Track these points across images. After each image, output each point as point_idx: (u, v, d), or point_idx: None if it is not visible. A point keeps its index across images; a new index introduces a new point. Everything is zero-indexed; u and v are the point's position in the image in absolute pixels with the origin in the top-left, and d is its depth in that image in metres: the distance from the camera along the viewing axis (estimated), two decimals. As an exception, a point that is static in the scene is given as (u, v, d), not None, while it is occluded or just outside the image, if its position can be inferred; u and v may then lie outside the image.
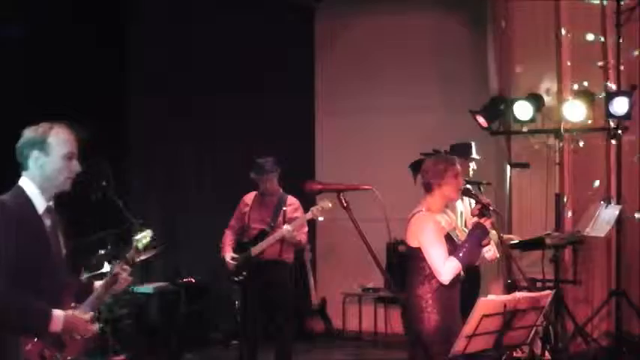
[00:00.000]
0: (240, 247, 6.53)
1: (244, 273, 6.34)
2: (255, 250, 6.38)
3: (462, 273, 4.31)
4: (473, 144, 6.53)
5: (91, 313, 3.57)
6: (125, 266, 3.74)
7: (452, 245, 4.31)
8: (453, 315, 4.31)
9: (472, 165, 6.44)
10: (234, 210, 6.72)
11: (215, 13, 8.65)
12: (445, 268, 4.22)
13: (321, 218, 6.28)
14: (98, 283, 3.77)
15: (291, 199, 6.52)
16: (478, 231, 4.26)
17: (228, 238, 6.58)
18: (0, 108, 6.71)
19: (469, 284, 5.20)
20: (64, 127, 3.61)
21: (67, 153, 3.57)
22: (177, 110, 8.52)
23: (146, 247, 3.90)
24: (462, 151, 6.30)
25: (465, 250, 4.23)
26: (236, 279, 6.31)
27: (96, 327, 3.58)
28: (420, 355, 4.27)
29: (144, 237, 3.85)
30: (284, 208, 6.47)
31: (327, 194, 5.88)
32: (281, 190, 6.56)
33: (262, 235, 6.42)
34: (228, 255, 6.45)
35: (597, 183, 7.62)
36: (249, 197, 6.63)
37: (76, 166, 3.62)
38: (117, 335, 6.94)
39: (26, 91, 7.24)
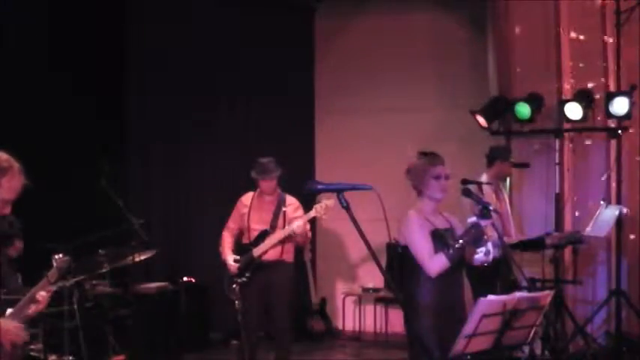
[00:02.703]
0: (240, 248, 6.50)
1: (247, 274, 6.32)
2: (257, 251, 6.36)
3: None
4: (509, 147, 7.03)
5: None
6: (47, 287, 3.84)
7: (442, 244, 4.30)
8: (452, 314, 4.31)
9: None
10: (232, 211, 6.69)
11: (215, 13, 8.65)
12: (432, 262, 4.24)
13: (324, 216, 6.25)
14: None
15: (291, 199, 6.51)
16: (473, 231, 4.26)
17: (227, 241, 6.55)
18: (0, 107, 6.71)
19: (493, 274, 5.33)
20: (19, 173, 3.71)
21: (7, 200, 3.76)
22: (177, 110, 8.52)
23: (64, 270, 4.02)
24: (501, 153, 6.80)
25: (455, 248, 4.23)
26: (239, 281, 6.29)
27: (26, 335, 3.67)
28: (419, 354, 4.26)
29: (63, 261, 3.98)
30: (284, 209, 6.45)
31: (327, 194, 5.90)
32: (279, 190, 6.54)
33: (263, 235, 6.39)
34: (230, 257, 6.41)
35: (604, 177, 7.60)
36: (247, 198, 6.59)
37: (7, 209, 3.79)
38: (117, 335, 6.94)
39: (26, 91, 7.24)
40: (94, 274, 6.64)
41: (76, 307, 6.20)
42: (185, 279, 8.15)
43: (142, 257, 6.81)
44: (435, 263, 4.23)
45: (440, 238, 4.32)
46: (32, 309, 3.88)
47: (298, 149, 9.18)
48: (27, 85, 7.22)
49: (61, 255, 4.02)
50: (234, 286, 6.27)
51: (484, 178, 6.56)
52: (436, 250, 4.28)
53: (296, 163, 8.00)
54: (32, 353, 5.71)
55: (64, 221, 6.95)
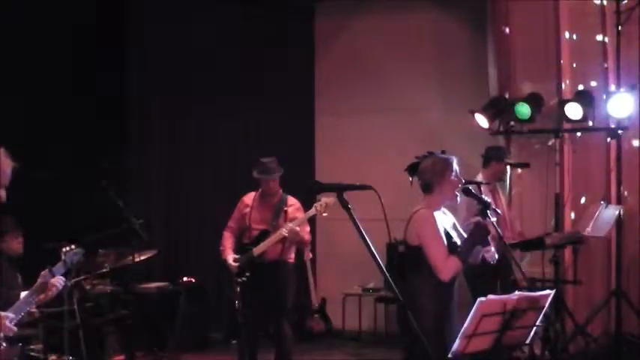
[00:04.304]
0: (240, 248, 6.50)
1: (247, 274, 6.31)
2: (257, 251, 6.36)
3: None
4: (504, 148, 7.18)
5: (13, 315, 3.64)
6: (50, 277, 3.82)
7: (450, 244, 4.31)
8: (452, 314, 4.31)
9: (507, 168, 7.05)
10: (233, 210, 6.69)
11: (215, 13, 8.65)
12: (446, 265, 4.23)
13: (325, 214, 6.25)
14: (23, 294, 3.84)
15: (292, 200, 6.51)
16: (479, 231, 4.27)
17: (228, 240, 6.55)
18: (0, 109, 6.71)
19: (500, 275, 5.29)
20: (5, 157, 3.67)
21: (1, 184, 3.71)
22: (177, 110, 8.52)
23: (74, 264, 3.99)
24: (497, 154, 6.90)
25: (465, 249, 4.24)
26: (239, 280, 6.28)
27: (15, 329, 3.65)
28: (417, 355, 4.26)
29: (74, 253, 3.95)
30: (285, 209, 6.45)
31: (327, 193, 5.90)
32: (281, 191, 6.54)
33: (263, 235, 6.39)
34: (230, 257, 6.42)
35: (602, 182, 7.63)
36: (249, 198, 6.60)
37: (3, 195, 3.73)
38: (117, 335, 6.94)
39: (26, 91, 7.24)
40: (94, 274, 6.65)
41: (76, 307, 6.20)
42: (185, 279, 8.15)
43: (142, 257, 6.82)
44: (449, 266, 4.23)
45: (450, 241, 4.32)
46: (42, 297, 3.86)
47: (298, 149, 9.17)
48: (27, 85, 7.22)
49: (70, 248, 4.01)
50: (234, 285, 6.27)
51: (480, 178, 6.60)
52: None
53: (296, 163, 8.00)
54: (32, 353, 5.71)
55: (65, 221, 6.95)
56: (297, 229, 6.26)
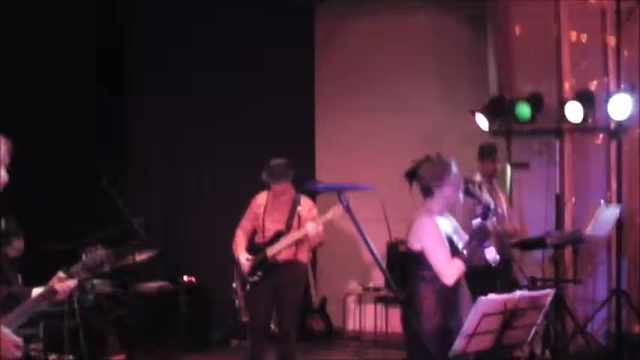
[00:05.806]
0: (253, 248, 6.43)
1: (259, 274, 6.28)
2: (271, 251, 6.30)
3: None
4: (496, 145, 7.10)
5: (20, 339, 3.58)
6: (65, 280, 3.75)
7: (452, 248, 4.31)
8: (454, 316, 4.31)
9: (498, 165, 7.01)
10: (243, 210, 6.56)
11: (215, 13, 8.65)
12: (449, 269, 4.22)
13: (339, 219, 6.20)
14: (35, 291, 3.77)
15: (305, 200, 6.39)
16: (480, 232, 4.27)
17: (241, 239, 6.45)
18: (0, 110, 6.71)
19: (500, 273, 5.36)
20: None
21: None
22: (177, 110, 8.53)
23: (96, 266, 3.94)
24: (488, 151, 6.92)
25: (468, 251, 4.24)
26: (251, 280, 6.24)
27: (19, 353, 3.58)
28: (419, 355, 4.26)
29: (98, 254, 3.90)
30: (299, 208, 6.39)
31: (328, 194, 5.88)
32: (294, 191, 6.46)
33: (278, 235, 6.34)
34: (243, 256, 6.34)
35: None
36: (262, 197, 6.50)
37: (4, 177, 3.57)
38: (117, 335, 6.94)
39: (27, 92, 7.25)
40: (93, 274, 6.64)
41: (76, 307, 6.20)
42: (185, 279, 8.15)
43: (142, 257, 6.82)
44: (452, 270, 4.22)
45: (452, 245, 4.32)
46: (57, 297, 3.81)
47: (298, 149, 9.16)
48: (27, 85, 7.22)
49: (95, 248, 3.95)
50: (238, 284, 6.22)
51: (477, 177, 6.62)
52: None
53: (296, 163, 7.98)
54: (32, 353, 5.71)
55: (64, 221, 6.96)
56: (321, 228, 6.17)
